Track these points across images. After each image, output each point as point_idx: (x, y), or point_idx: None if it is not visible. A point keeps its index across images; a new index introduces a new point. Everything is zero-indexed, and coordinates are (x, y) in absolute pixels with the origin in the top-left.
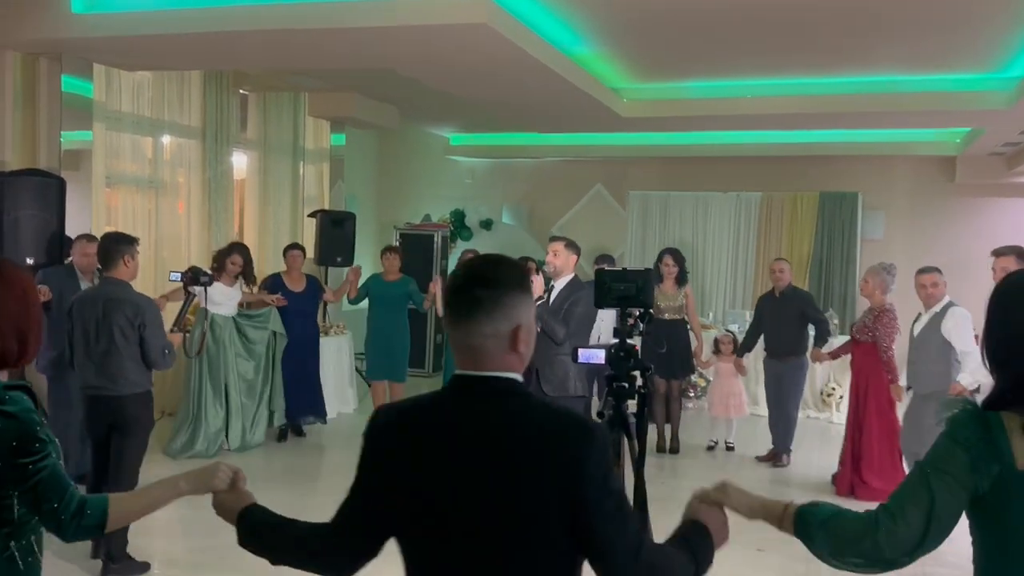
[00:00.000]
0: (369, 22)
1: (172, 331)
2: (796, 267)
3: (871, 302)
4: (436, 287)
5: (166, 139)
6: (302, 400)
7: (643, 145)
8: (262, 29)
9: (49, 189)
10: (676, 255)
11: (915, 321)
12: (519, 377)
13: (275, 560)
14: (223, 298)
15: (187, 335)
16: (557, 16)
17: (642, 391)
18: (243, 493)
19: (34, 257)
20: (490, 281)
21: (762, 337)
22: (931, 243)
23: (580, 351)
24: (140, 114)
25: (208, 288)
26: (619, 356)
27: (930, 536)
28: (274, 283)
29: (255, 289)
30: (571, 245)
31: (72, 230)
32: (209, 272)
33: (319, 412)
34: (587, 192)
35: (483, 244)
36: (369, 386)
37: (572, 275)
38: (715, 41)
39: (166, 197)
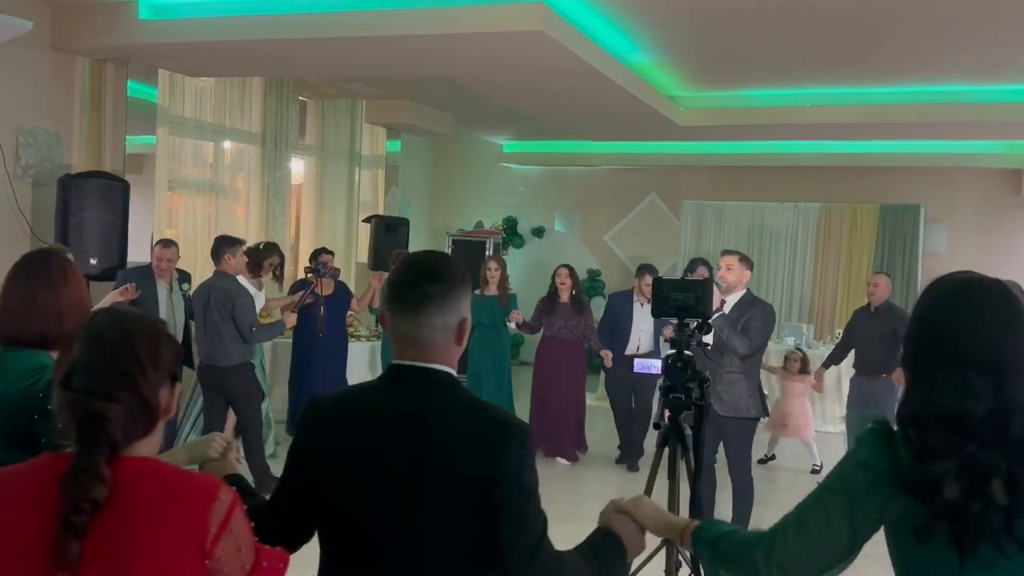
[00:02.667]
0: (426, 30)
1: (292, 312)
2: (855, 281)
3: None
4: (377, 283)
5: (227, 144)
6: None
7: (699, 154)
8: (322, 37)
9: (114, 191)
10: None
11: None
12: (454, 371)
13: None
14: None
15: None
16: (614, 24)
17: (699, 403)
18: (229, 463)
19: (97, 258)
20: (441, 276)
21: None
22: (996, 257)
23: (637, 361)
24: (202, 119)
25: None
26: (676, 367)
27: (812, 559)
28: (304, 287)
29: (284, 291)
30: (745, 259)
31: (135, 232)
32: (323, 262)
33: None
34: (641, 201)
35: (535, 252)
36: None
37: (745, 290)
38: (775, 49)
39: (226, 201)
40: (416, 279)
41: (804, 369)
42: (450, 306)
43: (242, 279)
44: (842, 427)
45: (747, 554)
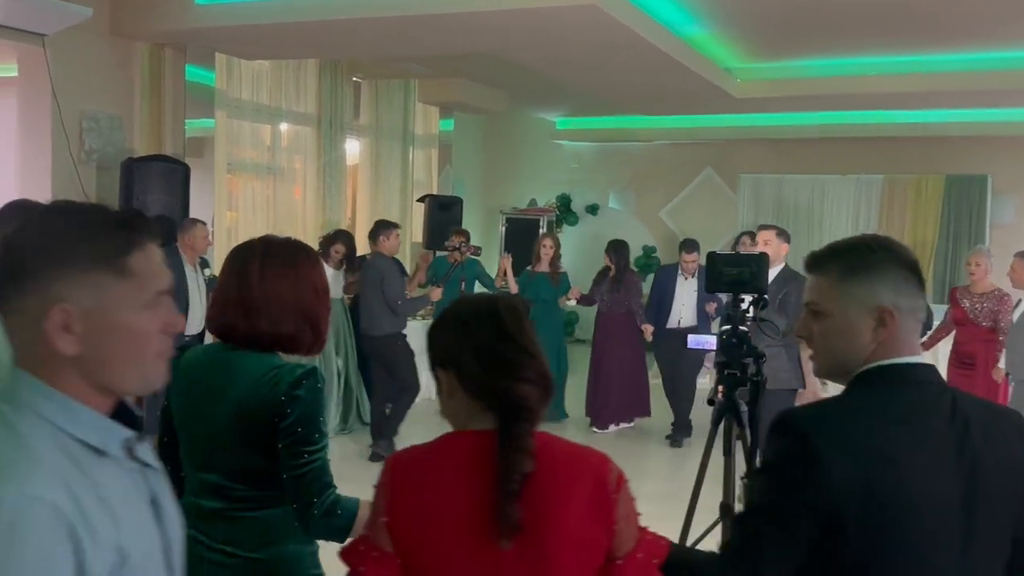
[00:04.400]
0: (480, 6)
1: (437, 285)
2: (919, 255)
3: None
4: (506, 263)
5: (284, 126)
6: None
7: (756, 127)
8: (375, 17)
9: (174, 174)
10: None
11: (1015, 307)
12: None
13: None
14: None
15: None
16: None
17: (755, 379)
18: None
19: (160, 239)
20: None
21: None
22: None
23: (690, 337)
24: (259, 102)
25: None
26: (731, 343)
27: None
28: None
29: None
30: (782, 234)
31: (195, 214)
32: (463, 241)
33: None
34: (696, 176)
35: (588, 229)
36: None
37: (783, 265)
38: (835, 16)
39: (283, 183)
40: None
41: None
42: None
43: (328, 268)
44: None
45: None
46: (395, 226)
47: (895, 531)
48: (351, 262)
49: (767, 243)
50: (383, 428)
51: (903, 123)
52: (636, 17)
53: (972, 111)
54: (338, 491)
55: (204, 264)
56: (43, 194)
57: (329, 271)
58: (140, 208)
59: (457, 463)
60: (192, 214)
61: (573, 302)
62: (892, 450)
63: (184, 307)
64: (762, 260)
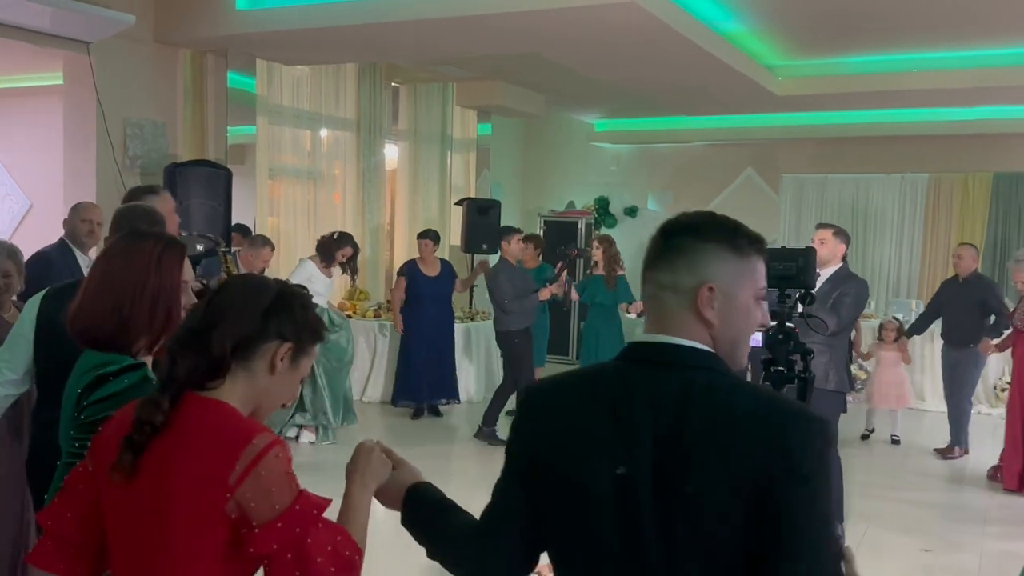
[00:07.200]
0: (517, 6)
1: (547, 286)
2: None
3: None
4: (482, 268)
5: (324, 132)
6: (435, 382)
7: (797, 126)
8: (414, 20)
9: (218, 179)
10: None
11: None
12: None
13: (431, 554)
14: (324, 288)
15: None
16: None
17: (802, 376)
18: (405, 471)
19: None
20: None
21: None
22: None
23: None
24: (299, 108)
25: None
26: (778, 339)
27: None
28: (410, 269)
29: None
30: (840, 233)
31: (238, 219)
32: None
33: (452, 394)
34: (736, 177)
35: (627, 231)
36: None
37: (839, 264)
38: (878, 12)
39: (324, 188)
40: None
41: (899, 338)
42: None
43: (313, 267)
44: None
45: None
46: (516, 231)
47: None
48: (353, 267)
49: (823, 242)
50: (486, 415)
51: (948, 120)
52: (675, 14)
53: (1019, 107)
54: None
55: None
56: (88, 199)
57: (324, 278)
58: (184, 214)
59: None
60: (235, 219)
61: (634, 315)
62: None
63: None
64: (809, 254)
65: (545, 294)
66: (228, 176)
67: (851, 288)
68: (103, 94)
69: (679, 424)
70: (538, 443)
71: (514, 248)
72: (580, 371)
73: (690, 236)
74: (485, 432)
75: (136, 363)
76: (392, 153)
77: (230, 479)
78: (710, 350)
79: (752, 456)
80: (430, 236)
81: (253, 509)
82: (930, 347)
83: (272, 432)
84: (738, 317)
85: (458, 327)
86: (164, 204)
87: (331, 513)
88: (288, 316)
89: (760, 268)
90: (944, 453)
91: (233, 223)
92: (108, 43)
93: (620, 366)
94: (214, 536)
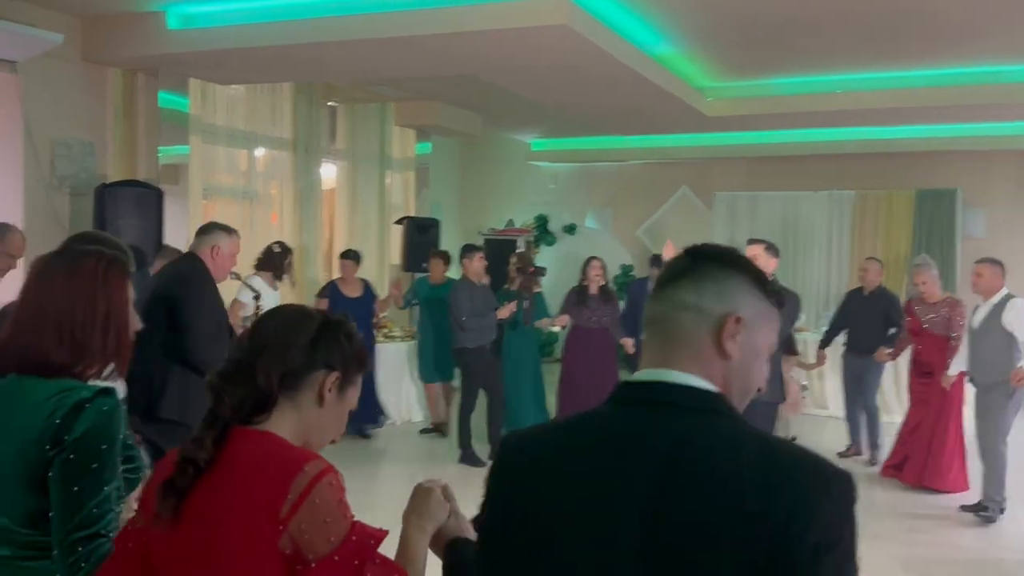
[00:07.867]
0: (453, 28)
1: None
2: (893, 267)
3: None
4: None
5: (259, 151)
6: (358, 408)
7: (729, 145)
8: (349, 40)
9: (149, 199)
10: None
11: (973, 313)
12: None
13: None
14: (274, 302)
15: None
16: (638, 15)
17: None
18: (461, 519)
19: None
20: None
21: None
22: None
23: None
24: (234, 127)
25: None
26: None
27: None
28: (332, 290)
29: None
30: (771, 248)
31: (171, 241)
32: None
33: (373, 418)
34: (672, 194)
35: (567, 248)
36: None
37: (771, 279)
38: (803, 34)
39: (260, 208)
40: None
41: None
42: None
43: (260, 281)
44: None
45: None
46: (477, 249)
47: None
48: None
49: (756, 257)
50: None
51: (873, 139)
52: (606, 37)
53: (940, 126)
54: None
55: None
56: (15, 221)
57: (271, 290)
58: (114, 234)
59: None
60: (167, 240)
61: (559, 328)
62: None
63: None
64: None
65: (504, 312)
66: (159, 196)
67: (788, 303)
68: (31, 113)
69: (675, 482)
70: (511, 505)
71: (476, 266)
72: (563, 422)
73: (721, 264)
74: (464, 455)
75: (106, 388)
76: (330, 172)
77: (282, 511)
78: (716, 390)
79: (765, 520)
80: (351, 256)
81: (307, 542)
82: (832, 355)
83: (324, 459)
84: (754, 360)
85: (398, 347)
86: (231, 245)
87: (387, 548)
88: (335, 345)
89: (777, 323)
90: (846, 455)
91: (164, 243)
92: (35, 62)
93: (608, 412)
94: None
